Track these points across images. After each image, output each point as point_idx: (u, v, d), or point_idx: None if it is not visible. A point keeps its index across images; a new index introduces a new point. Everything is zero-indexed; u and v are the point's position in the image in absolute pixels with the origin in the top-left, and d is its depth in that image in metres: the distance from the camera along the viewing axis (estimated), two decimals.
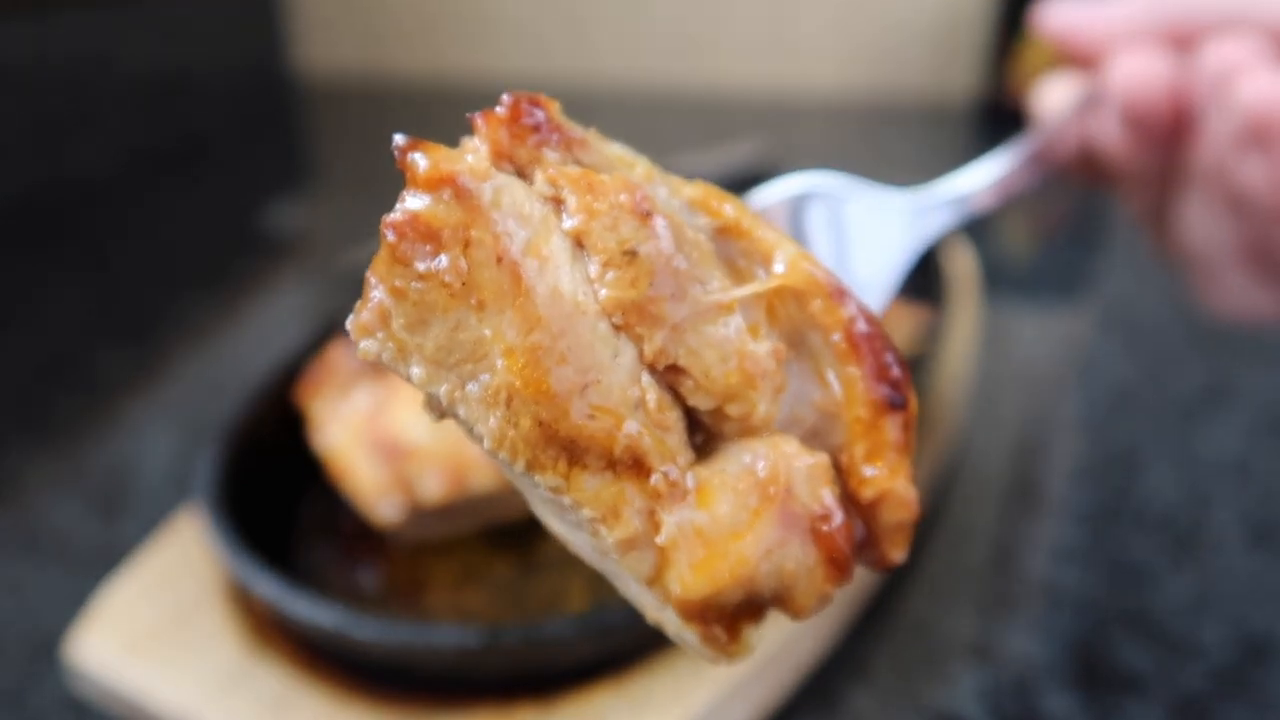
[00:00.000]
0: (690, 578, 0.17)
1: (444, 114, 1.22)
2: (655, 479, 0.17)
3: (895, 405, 0.19)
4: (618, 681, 0.31)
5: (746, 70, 1.25)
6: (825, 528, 0.18)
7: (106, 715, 0.35)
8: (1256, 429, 0.52)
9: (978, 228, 0.84)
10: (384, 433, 0.39)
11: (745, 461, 0.18)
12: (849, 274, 0.26)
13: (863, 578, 0.38)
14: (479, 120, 0.19)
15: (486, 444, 0.17)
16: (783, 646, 0.34)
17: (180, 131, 1.09)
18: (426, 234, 0.17)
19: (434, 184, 0.17)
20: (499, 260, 0.17)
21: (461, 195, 0.17)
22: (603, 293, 0.18)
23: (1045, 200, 0.90)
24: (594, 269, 0.18)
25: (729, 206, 0.20)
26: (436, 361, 0.17)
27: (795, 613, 0.18)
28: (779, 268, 0.19)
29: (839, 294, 0.19)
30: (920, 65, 1.20)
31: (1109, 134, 0.32)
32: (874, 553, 0.19)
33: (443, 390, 0.17)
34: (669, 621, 0.18)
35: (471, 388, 0.17)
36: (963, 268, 0.60)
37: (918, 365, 0.43)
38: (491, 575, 0.38)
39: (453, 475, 0.38)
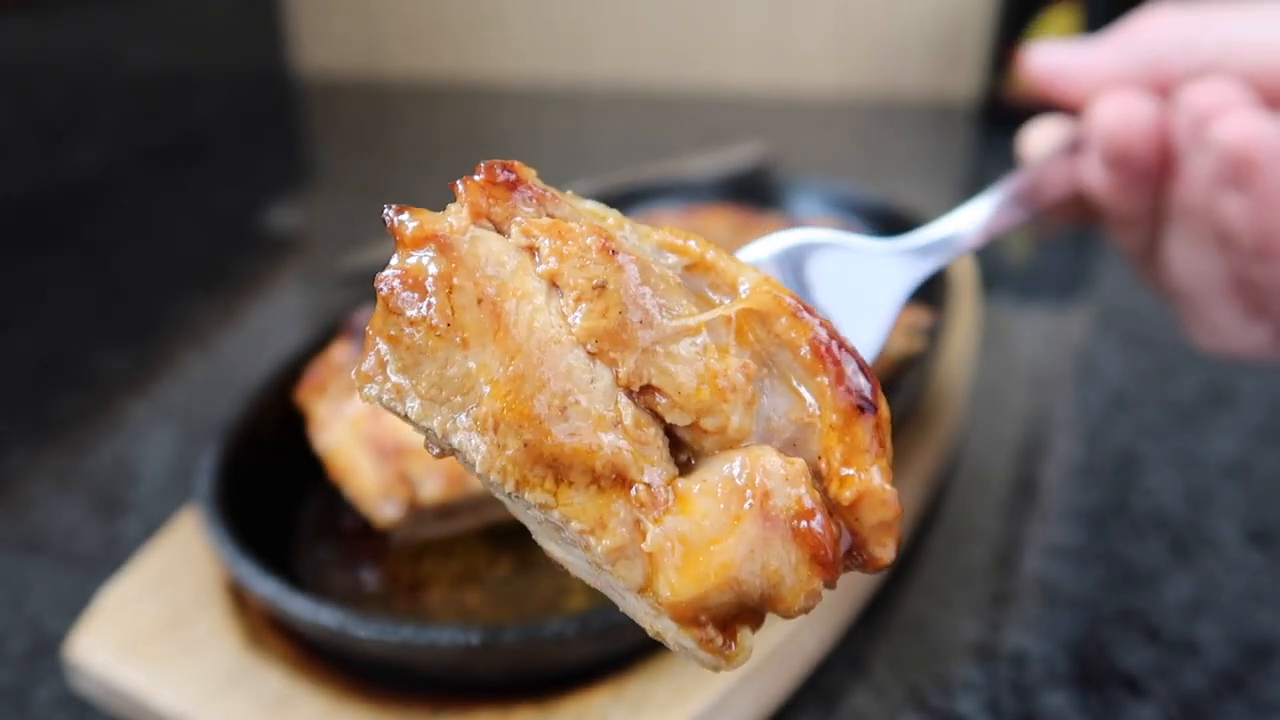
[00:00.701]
0: (678, 580, 0.18)
1: (444, 114, 1.22)
2: (638, 490, 0.18)
3: (865, 408, 0.20)
4: (617, 682, 0.32)
5: (747, 71, 1.25)
6: (805, 525, 0.19)
7: (107, 714, 0.35)
8: (1256, 430, 0.52)
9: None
10: (385, 433, 0.39)
11: (724, 470, 0.19)
12: (841, 324, 0.27)
13: (861, 578, 0.38)
14: (459, 186, 0.20)
15: (479, 468, 0.19)
16: (783, 646, 0.34)
17: (180, 131, 1.09)
18: (414, 284, 0.19)
19: (419, 241, 0.19)
20: (480, 301, 0.19)
21: (444, 248, 0.19)
22: (577, 323, 0.19)
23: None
24: (568, 304, 0.19)
25: (694, 243, 0.21)
26: (430, 398, 0.19)
27: (785, 612, 0.19)
28: (744, 292, 0.21)
29: (801, 311, 0.20)
30: (921, 66, 1.20)
31: (1093, 174, 0.33)
32: (862, 555, 0.20)
33: (436, 423, 0.19)
34: (667, 630, 0.19)
35: (462, 418, 0.19)
36: (962, 269, 0.60)
37: (917, 365, 0.44)
38: (491, 575, 0.38)
39: (453, 475, 0.38)
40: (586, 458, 0.18)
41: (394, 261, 0.19)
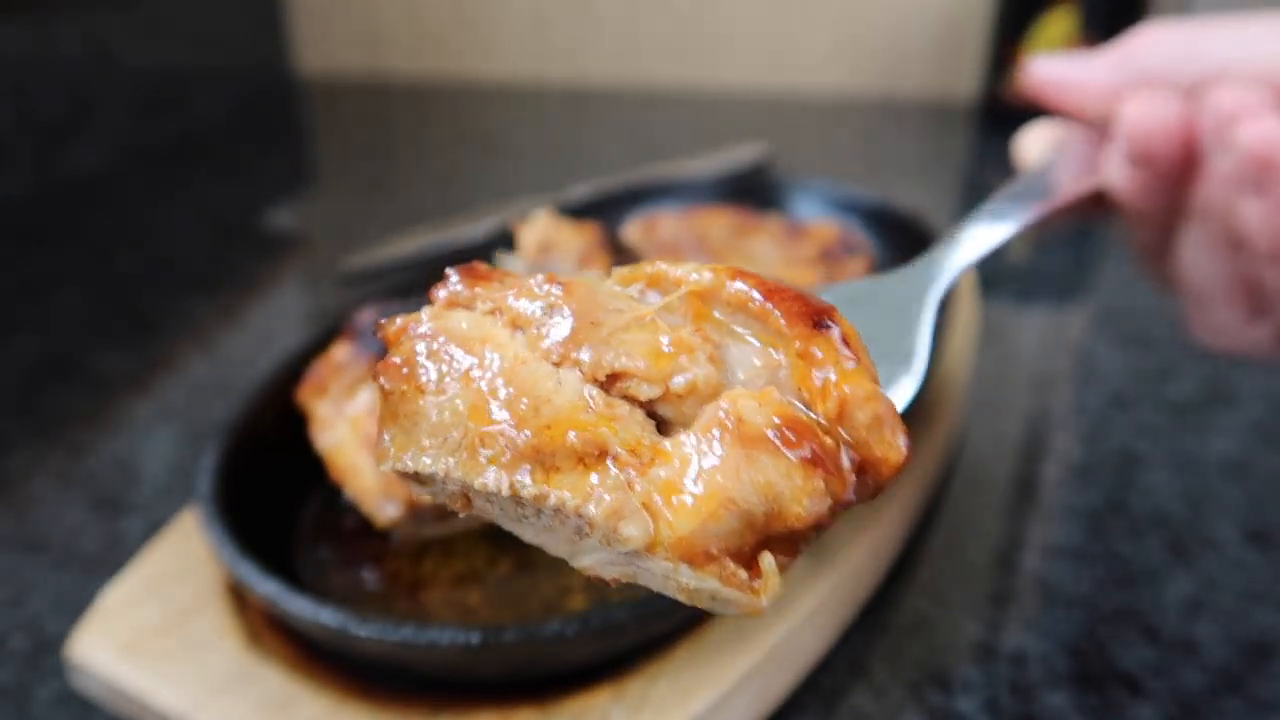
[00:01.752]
0: (676, 518, 0.19)
1: (444, 114, 1.22)
2: (620, 453, 0.19)
3: (822, 325, 0.20)
4: (617, 682, 0.32)
5: (747, 71, 1.25)
6: (785, 432, 0.19)
7: (107, 714, 0.35)
8: (1255, 430, 0.52)
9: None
10: None
11: (702, 416, 0.20)
12: (879, 368, 0.28)
13: (861, 579, 0.38)
14: (435, 291, 0.23)
15: (478, 485, 0.20)
16: (782, 646, 0.34)
17: (180, 131, 1.09)
18: (405, 363, 0.22)
19: (398, 337, 0.22)
20: (453, 358, 0.22)
21: (421, 336, 0.22)
22: (538, 345, 0.21)
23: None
24: (531, 335, 0.21)
25: (646, 266, 0.23)
26: (433, 435, 0.21)
27: (795, 522, 0.19)
28: (691, 278, 0.22)
29: (740, 273, 0.21)
30: (921, 67, 1.20)
31: (1116, 173, 0.33)
32: (873, 464, 0.20)
33: (441, 456, 0.21)
34: (689, 580, 0.19)
35: (459, 445, 0.21)
36: None
37: None
38: (491, 575, 0.38)
39: None
40: (564, 441, 0.19)
41: (388, 355, 0.22)
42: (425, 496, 0.38)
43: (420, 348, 0.22)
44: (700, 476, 0.19)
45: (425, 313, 0.23)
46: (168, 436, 0.53)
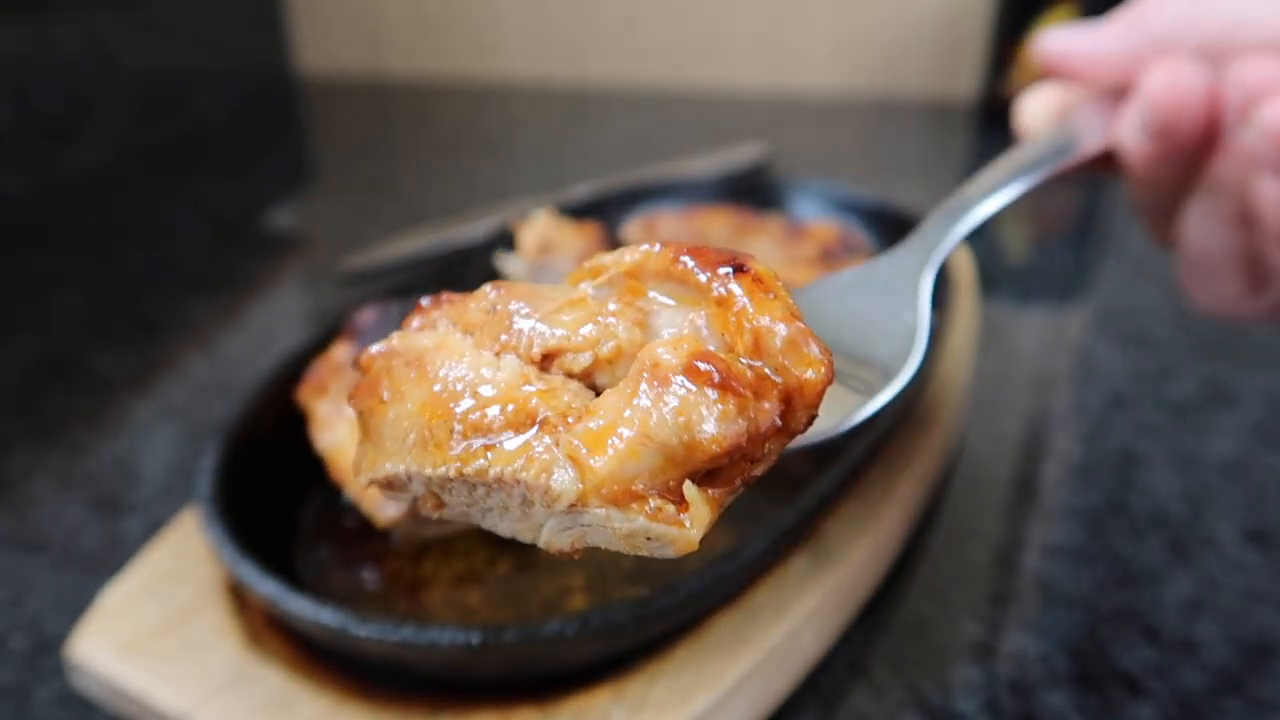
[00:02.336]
0: (596, 461, 0.19)
1: (444, 114, 1.22)
2: (549, 416, 0.20)
3: (733, 269, 0.21)
4: (617, 682, 0.32)
5: (747, 71, 1.25)
6: (701, 365, 0.19)
7: (107, 714, 0.35)
8: (1254, 430, 0.52)
9: (976, 228, 0.84)
10: None
11: (627, 371, 0.21)
12: (880, 345, 0.28)
13: (861, 579, 0.38)
14: (407, 321, 0.25)
15: (430, 473, 0.22)
16: (782, 646, 0.34)
17: (181, 131, 1.09)
18: (368, 379, 0.24)
19: (369, 361, 0.25)
20: (407, 365, 0.23)
21: (384, 351, 0.24)
22: (482, 338, 0.23)
23: (1042, 205, 0.90)
24: (477, 335, 0.23)
25: (588, 262, 0.23)
26: (395, 439, 0.23)
27: (712, 446, 0.19)
28: (624, 259, 0.22)
29: (666, 245, 0.22)
30: (921, 66, 1.20)
31: (1132, 141, 0.33)
32: (799, 385, 0.20)
33: (402, 468, 0.22)
34: (620, 524, 0.19)
35: (414, 442, 0.22)
36: (961, 268, 0.60)
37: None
38: (491, 575, 0.38)
39: None
40: (501, 414, 0.21)
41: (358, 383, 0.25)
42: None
43: (383, 366, 0.24)
44: (619, 421, 0.19)
45: (394, 337, 0.24)
46: (168, 436, 0.53)
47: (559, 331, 0.22)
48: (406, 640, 0.29)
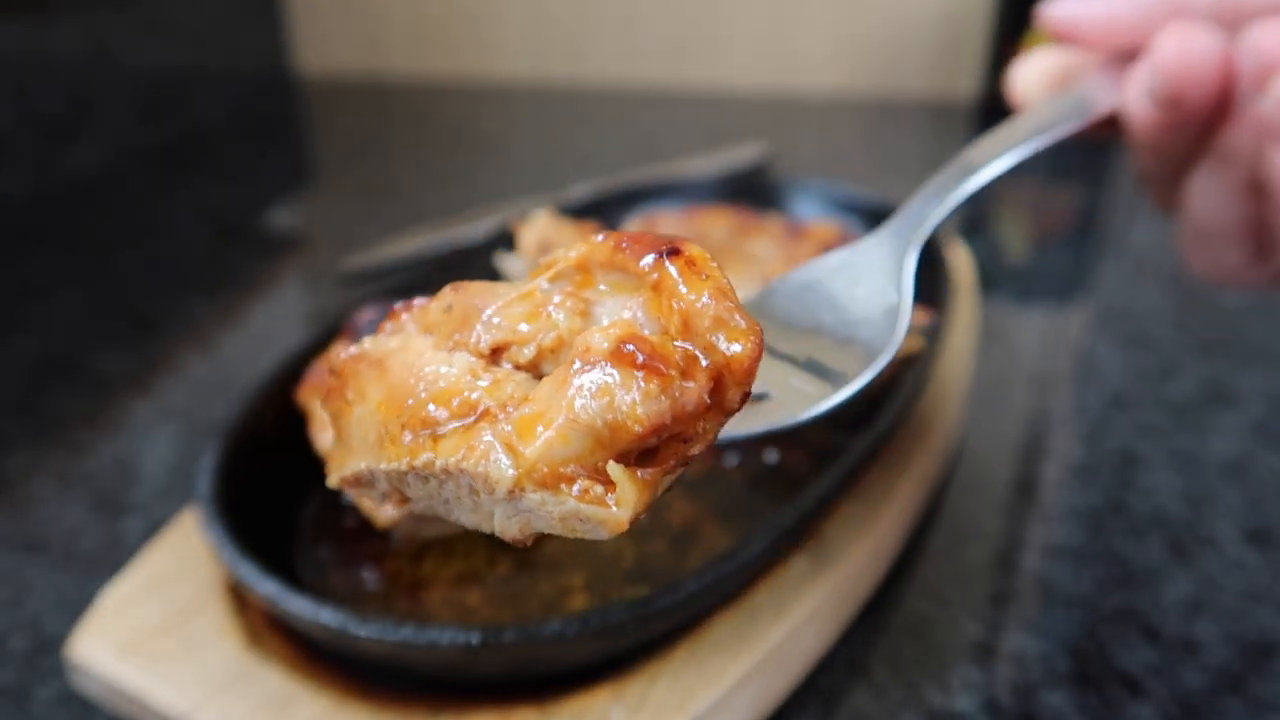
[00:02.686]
0: (526, 447, 0.20)
1: (444, 114, 1.22)
2: (491, 407, 0.21)
3: (664, 253, 0.21)
4: (617, 682, 0.32)
5: (747, 71, 1.25)
6: (629, 348, 0.20)
7: (107, 714, 0.35)
8: (1255, 430, 0.52)
9: (977, 228, 0.84)
10: None
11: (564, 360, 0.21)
12: (862, 327, 0.28)
13: (861, 579, 0.38)
14: (381, 325, 0.25)
15: (387, 468, 0.22)
16: (782, 646, 0.34)
17: (181, 131, 1.09)
18: (337, 387, 0.25)
19: (341, 366, 0.25)
20: (370, 366, 0.24)
21: (352, 358, 0.25)
22: (437, 336, 0.23)
23: (1040, 203, 0.90)
24: (437, 338, 0.23)
25: (544, 257, 0.24)
26: (360, 448, 0.24)
27: (636, 424, 0.19)
28: (571, 255, 0.23)
29: (610, 235, 0.22)
30: (921, 66, 1.20)
31: (1139, 108, 0.32)
32: (728, 361, 0.20)
33: (364, 465, 0.23)
34: (553, 508, 0.20)
35: (374, 442, 0.23)
36: (961, 268, 0.60)
37: (917, 365, 0.44)
38: (491, 575, 0.38)
39: None
40: (448, 410, 0.21)
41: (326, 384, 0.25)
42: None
43: (352, 370, 0.24)
44: (549, 407, 0.20)
45: (366, 341, 0.25)
46: (168, 436, 0.53)
47: (507, 332, 0.22)
48: (406, 640, 0.29)
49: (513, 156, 1.06)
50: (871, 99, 1.21)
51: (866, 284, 0.28)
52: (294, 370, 0.44)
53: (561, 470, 0.19)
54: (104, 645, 0.34)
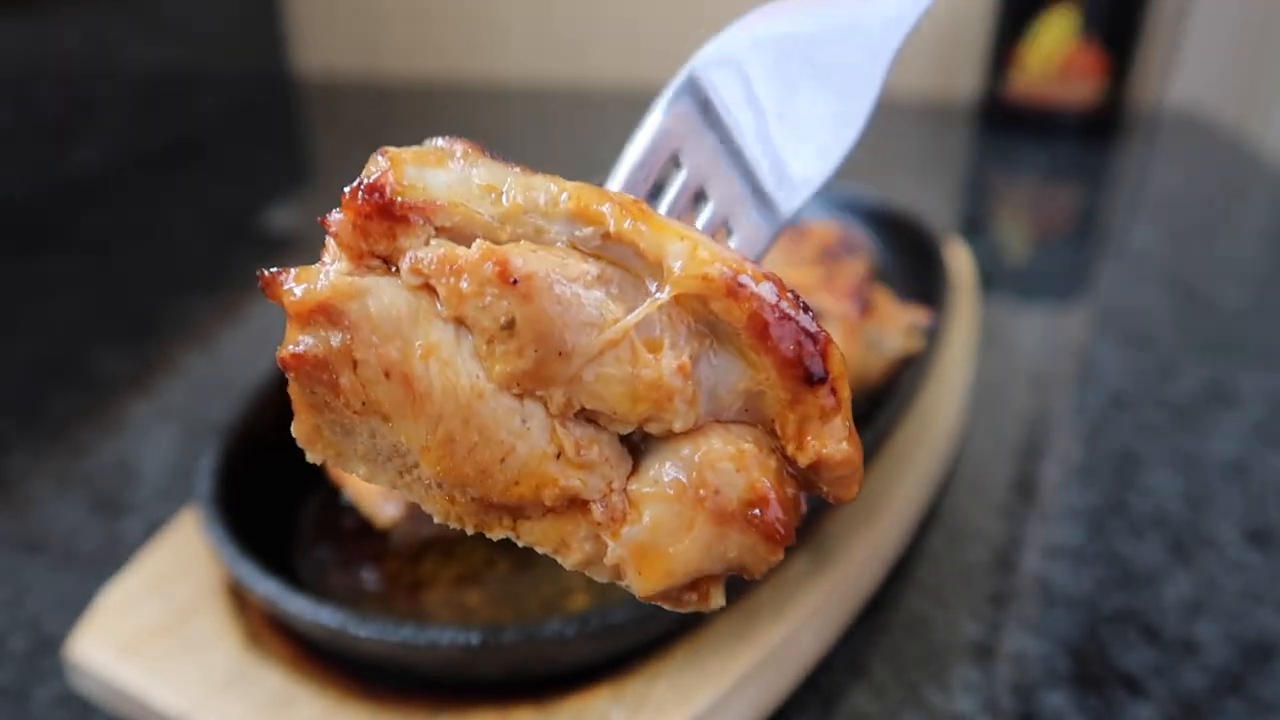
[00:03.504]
0: (642, 582, 0.19)
1: (444, 114, 1.22)
2: (595, 510, 0.19)
3: (814, 380, 0.19)
4: (617, 682, 0.32)
5: None
6: (758, 513, 0.19)
7: (107, 714, 0.35)
8: (1255, 430, 0.52)
9: (977, 228, 0.84)
10: None
11: (673, 472, 0.19)
12: (808, 121, 0.25)
13: (861, 579, 0.38)
14: (331, 225, 0.18)
15: (436, 519, 0.19)
16: (782, 646, 0.34)
17: (180, 131, 1.09)
18: (316, 365, 0.18)
19: (306, 317, 0.18)
20: (388, 374, 0.18)
21: (335, 319, 0.18)
22: (495, 369, 0.18)
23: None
24: (480, 345, 0.18)
25: (608, 210, 0.19)
26: (369, 460, 0.19)
27: (749, 576, 0.20)
28: (675, 269, 0.18)
29: (735, 287, 0.18)
30: (921, 66, 1.20)
31: None
32: (826, 495, 0.20)
33: (384, 480, 0.19)
34: (639, 590, 0.20)
35: (407, 477, 0.19)
36: (962, 268, 0.60)
37: (917, 365, 0.44)
38: (491, 575, 0.38)
39: None
40: (535, 498, 0.18)
41: (289, 341, 0.18)
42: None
43: (335, 344, 0.18)
44: (670, 549, 0.19)
45: (333, 270, 0.18)
46: (167, 436, 0.53)
47: (605, 407, 0.18)
48: (406, 640, 0.29)
49: (513, 157, 1.06)
50: None
51: (844, 61, 0.27)
52: None
53: (664, 597, 0.19)
54: (103, 645, 0.34)
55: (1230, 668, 0.36)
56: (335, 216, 0.18)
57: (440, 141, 0.20)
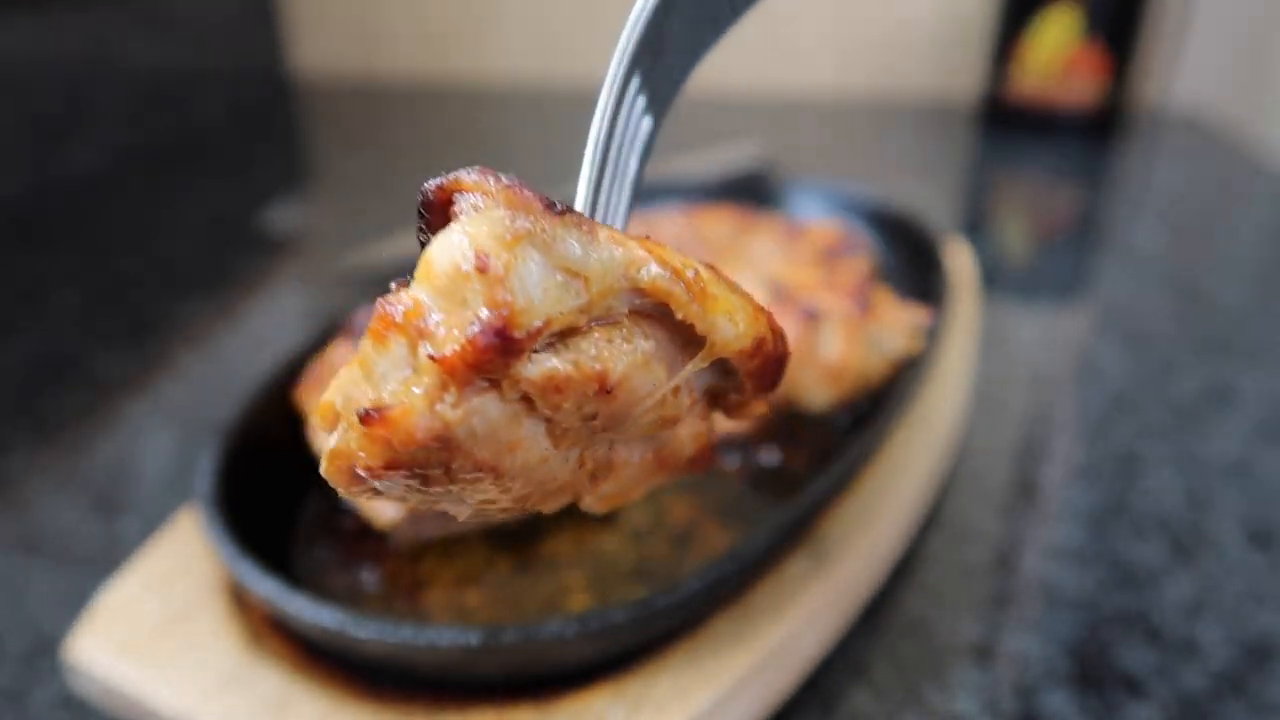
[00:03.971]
0: (602, 506, 0.24)
1: (443, 114, 1.22)
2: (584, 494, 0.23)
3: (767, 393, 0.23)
4: (617, 682, 0.31)
5: (747, 71, 1.25)
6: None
7: (106, 715, 0.35)
8: (1256, 430, 0.52)
9: (977, 228, 0.84)
10: None
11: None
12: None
13: (861, 579, 0.38)
14: (437, 354, 0.17)
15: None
16: (782, 646, 0.34)
17: (180, 131, 1.09)
18: (407, 475, 0.18)
19: (416, 444, 0.18)
20: (478, 468, 0.19)
21: (444, 443, 0.18)
22: (563, 442, 0.20)
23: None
24: (557, 430, 0.20)
25: (680, 293, 0.20)
26: (407, 501, 0.20)
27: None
28: (719, 341, 0.21)
29: (758, 351, 0.21)
30: (921, 66, 1.20)
31: None
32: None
33: (414, 503, 0.21)
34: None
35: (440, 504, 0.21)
36: (963, 268, 0.60)
37: (917, 365, 0.43)
38: (491, 575, 0.38)
39: None
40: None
41: (375, 457, 0.18)
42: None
43: (432, 457, 0.18)
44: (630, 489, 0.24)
45: (445, 407, 0.17)
46: (166, 437, 0.53)
47: (630, 433, 0.22)
48: (406, 641, 0.29)
49: (512, 156, 1.06)
50: (871, 99, 1.21)
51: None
52: (292, 370, 0.44)
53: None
54: (102, 646, 0.34)
55: (1232, 668, 0.36)
56: (446, 347, 0.17)
57: (472, 177, 0.19)
